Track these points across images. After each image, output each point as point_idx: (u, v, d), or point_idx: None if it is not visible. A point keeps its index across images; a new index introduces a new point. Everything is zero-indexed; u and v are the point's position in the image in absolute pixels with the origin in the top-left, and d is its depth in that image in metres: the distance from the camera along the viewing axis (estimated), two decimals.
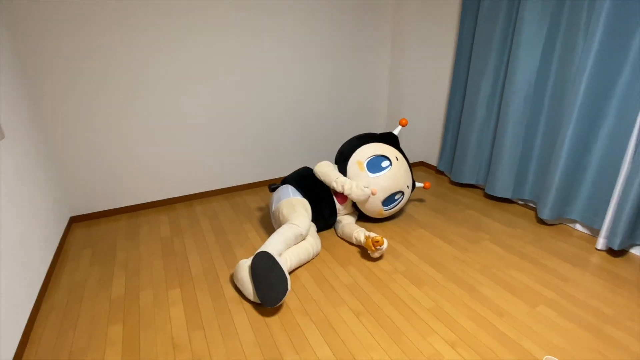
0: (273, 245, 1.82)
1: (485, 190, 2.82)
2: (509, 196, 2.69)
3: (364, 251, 2.17)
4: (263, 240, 2.30)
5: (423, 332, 1.56)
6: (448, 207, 2.74)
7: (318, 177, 2.30)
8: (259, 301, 1.66)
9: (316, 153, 3.33)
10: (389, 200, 2.31)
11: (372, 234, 2.02)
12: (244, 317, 1.66)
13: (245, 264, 1.79)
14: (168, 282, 1.91)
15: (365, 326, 1.60)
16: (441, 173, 3.43)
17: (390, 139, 2.43)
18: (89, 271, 2.02)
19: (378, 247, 1.95)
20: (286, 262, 1.87)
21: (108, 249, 2.23)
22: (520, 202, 2.77)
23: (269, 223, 2.53)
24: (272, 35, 2.77)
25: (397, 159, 2.31)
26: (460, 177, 3.01)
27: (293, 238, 1.92)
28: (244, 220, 2.58)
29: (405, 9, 3.06)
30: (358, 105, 3.38)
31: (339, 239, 2.31)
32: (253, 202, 2.87)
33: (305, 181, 2.28)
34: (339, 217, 2.38)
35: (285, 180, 2.35)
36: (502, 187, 2.69)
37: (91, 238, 2.36)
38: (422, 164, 3.66)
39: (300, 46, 2.90)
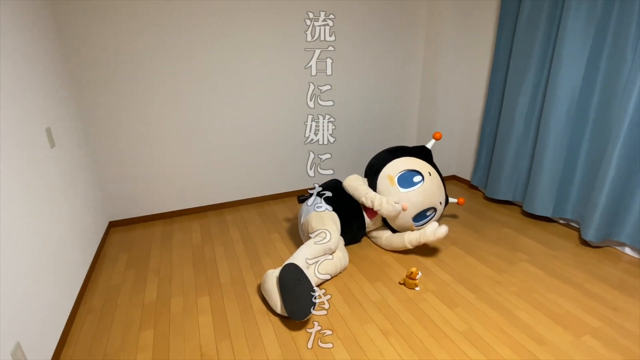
0: (301, 257, 1.81)
1: (523, 208, 2.68)
2: (549, 215, 2.54)
3: (393, 268, 2.12)
4: (290, 251, 2.30)
5: (455, 356, 1.49)
6: (482, 224, 2.63)
7: (347, 191, 2.28)
8: (285, 314, 1.65)
9: (345, 165, 3.32)
10: (420, 216, 2.25)
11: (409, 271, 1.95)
12: (271, 329, 1.65)
13: (272, 275, 1.80)
14: (198, 290, 1.95)
15: (393, 347, 1.54)
16: (475, 188, 3.31)
17: (423, 153, 2.37)
18: (125, 275, 2.10)
19: (415, 282, 1.91)
20: (314, 275, 1.85)
21: (143, 254, 2.31)
22: (561, 222, 2.61)
23: (297, 234, 2.53)
24: (301, 47, 2.81)
25: (430, 174, 2.24)
26: (495, 193, 2.89)
27: (322, 252, 1.91)
28: (272, 230, 2.59)
29: (439, 18, 3.01)
30: (388, 116, 3.34)
31: (367, 253, 2.27)
32: (281, 212, 2.89)
33: (335, 194, 2.27)
34: (376, 234, 2.35)
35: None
36: (542, 204, 2.55)
37: (128, 243, 2.46)
38: (454, 177, 3.55)
39: (330, 58, 2.92)
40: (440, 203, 2.29)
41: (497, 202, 3.01)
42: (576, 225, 2.53)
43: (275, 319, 1.72)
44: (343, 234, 2.22)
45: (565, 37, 2.23)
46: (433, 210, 2.28)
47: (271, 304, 1.74)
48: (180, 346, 1.57)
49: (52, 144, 1.81)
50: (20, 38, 1.65)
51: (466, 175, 3.40)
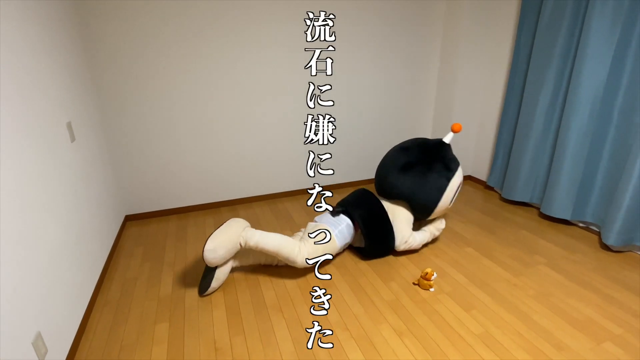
0: (264, 238, 1.84)
1: (541, 210, 2.63)
2: (568, 217, 2.48)
3: (407, 268, 2.10)
4: None
5: (471, 358, 1.47)
6: (498, 225, 2.58)
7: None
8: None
9: (357, 163, 3.30)
10: None
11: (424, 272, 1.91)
12: (284, 326, 1.66)
13: (240, 223, 1.85)
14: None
15: (407, 347, 1.53)
16: (491, 189, 3.25)
17: (443, 149, 2.22)
18: (140, 268, 2.13)
19: (430, 282, 1.89)
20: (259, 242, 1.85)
21: (158, 248, 2.34)
22: (580, 225, 2.54)
23: None
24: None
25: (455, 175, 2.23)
26: (512, 194, 2.84)
27: (285, 255, 1.85)
28: (284, 226, 2.60)
29: (457, 12, 2.96)
30: (403, 114, 3.31)
31: None
32: (293, 209, 2.89)
33: (374, 224, 2.07)
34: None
35: (348, 211, 2.13)
36: (561, 207, 2.49)
37: (143, 236, 2.50)
38: (470, 178, 3.50)
39: (343, 56, 2.90)
40: None
41: (514, 203, 2.95)
42: (596, 229, 2.46)
43: (289, 316, 1.72)
44: (370, 256, 2.18)
45: (590, 36, 2.16)
46: None
47: (216, 231, 1.78)
48: (195, 340, 1.59)
49: (73, 138, 1.85)
50: (43, 34, 1.68)
51: (482, 175, 3.35)
